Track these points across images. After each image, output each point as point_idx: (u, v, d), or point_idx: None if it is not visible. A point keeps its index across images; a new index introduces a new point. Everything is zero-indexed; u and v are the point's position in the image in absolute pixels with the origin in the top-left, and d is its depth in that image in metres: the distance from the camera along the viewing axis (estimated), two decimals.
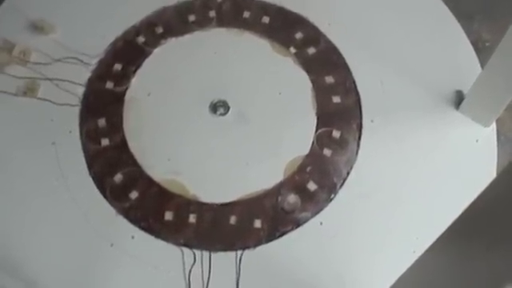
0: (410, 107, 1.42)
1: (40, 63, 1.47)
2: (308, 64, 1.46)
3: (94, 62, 1.48)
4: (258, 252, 1.26)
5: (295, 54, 1.48)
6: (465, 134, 1.39)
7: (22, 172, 1.35)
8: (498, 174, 1.29)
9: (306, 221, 1.28)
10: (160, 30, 1.52)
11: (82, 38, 1.52)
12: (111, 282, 1.24)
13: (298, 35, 1.51)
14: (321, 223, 1.28)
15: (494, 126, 1.39)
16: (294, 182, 1.32)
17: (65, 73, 1.46)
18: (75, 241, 1.28)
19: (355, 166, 1.35)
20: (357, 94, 1.43)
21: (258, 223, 1.27)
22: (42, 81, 1.45)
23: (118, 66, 1.47)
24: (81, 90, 1.44)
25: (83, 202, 1.31)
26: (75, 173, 1.34)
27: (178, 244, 1.26)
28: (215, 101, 1.41)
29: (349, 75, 1.46)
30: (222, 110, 1.40)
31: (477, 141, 1.38)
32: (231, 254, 1.25)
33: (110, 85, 1.45)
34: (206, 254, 1.24)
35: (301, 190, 1.31)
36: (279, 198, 1.30)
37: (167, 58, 1.49)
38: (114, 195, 1.31)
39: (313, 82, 1.44)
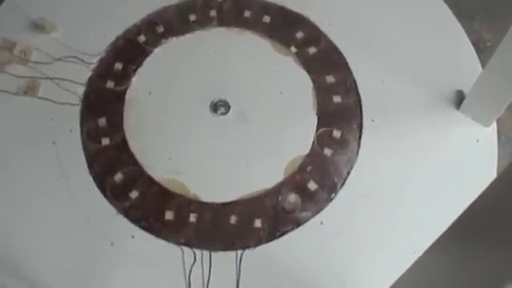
0: (411, 107, 1.42)
1: (41, 62, 1.47)
2: (309, 64, 1.46)
3: (95, 61, 1.48)
4: (259, 252, 1.26)
5: (296, 53, 1.48)
6: (465, 134, 1.39)
7: (22, 171, 1.35)
8: (498, 174, 1.31)
9: (306, 220, 1.28)
10: (161, 29, 1.52)
11: (83, 37, 1.52)
12: (111, 282, 1.24)
13: (299, 35, 1.51)
14: (321, 223, 1.28)
15: (494, 125, 1.39)
16: (295, 181, 1.32)
17: (65, 72, 1.46)
18: (75, 240, 1.28)
19: (356, 166, 1.35)
20: (357, 93, 1.43)
21: (258, 223, 1.27)
22: (43, 80, 1.45)
23: (118, 66, 1.47)
24: (81, 90, 1.44)
25: (84, 201, 1.31)
26: (76, 172, 1.34)
27: (178, 243, 1.26)
28: (216, 100, 1.41)
29: (349, 75, 1.46)
30: (222, 110, 1.40)
31: (477, 141, 1.38)
32: (231, 254, 1.25)
33: (110, 84, 1.45)
34: (206, 253, 1.24)
35: (301, 190, 1.31)
36: (280, 198, 1.30)
37: (168, 58, 1.49)
38: (115, 194, 1.31)
39: (313, 81, 1.44)
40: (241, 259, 1.24)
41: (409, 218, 1.29)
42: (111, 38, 1.51)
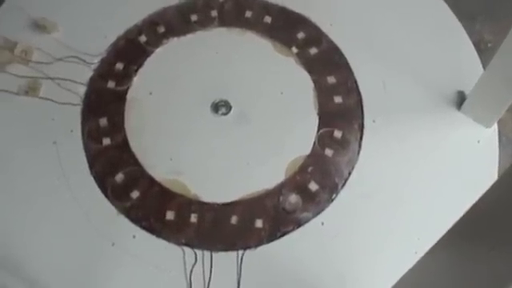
0: (412, 107, 1.42)
1: (42, 62, 1.47)
2: (310, 64, 1.46)
3: (96, 61, 1.48)
4: (260, 252, 1.26)
5: (297, 53, 1.48)
6: (466, 135, 1.39)
7: (23, 171, 1.35)
8: (499, 175, 1.31)
9: (307, 221, 1.28)
10: (162, 29, 1.52)
11: (84, 37, 1.52)
12: (112, 282, 1.24)
13: (300, 35, 1.51)
14: (322, 223, 1.28)
15: (495, 126, 1.39)
16: (296, 182, 1.32)
17: (66, 72, 1.46)
18: (76, 240, 1.28)
19: (357, 167, 1.34)
20: (358, 94, 1.43)
21: (259, 223, 1.27)
22: (44, 80, 1.45)
23: (119, 66, 1.47)
24: (82, 90, 1.45)
25: (84, 201, 1.31)
26: (76, 172, 1.34)
27: (179, 244, 1.26)
28: (217, 100, 1.41)
29: (350, 75, 1.46)
30: (223, 110, 1.40)
31: (478, 141, 1.38)
32: (232, 254, 1.25)
33: (111, 84, 1.45)
34: (207, 253, 1.24)
35: (302, 190, 1.31)
36: (280, 198, 1.30)
37: (169, 58, 1.49)
38: (116, 195, 1.31)
39: (315, 82, 1.44)
40: (242, 259, 1.24)
41: (410, 219, 1.29)
42: (112, 38, 1.51)
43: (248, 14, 1.54)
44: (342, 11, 1.56)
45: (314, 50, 1.48)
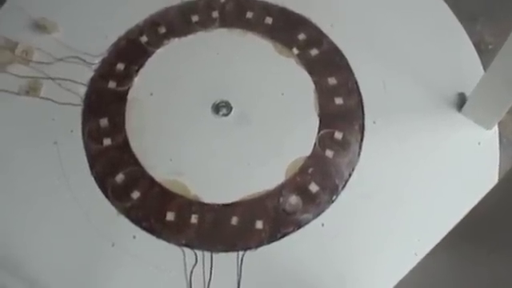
0: (413, 109, 1.42)
1: (42, 62, 1.47)
2: (311, 65, 1.47)
3: (97, 61, 1.48)
4: (260, 253, 1.26)
5: (298, 54, 1.48)
6: (467, 136, 1.39)
7: (23, 171, 1.35)
8: (499, 177, 1.31)
9: (307, 222, 1.29)
10: (163, 30, 1.52)
11: (85, 38, 1.52)
12: (112, 282, 1.24)
13: (301, 36, 1.51)
14: (322, 224, 1.28)
15: (496, 128, 1.39)
16: (296, 183, 1.32)
17: (67, 72, 1.46)
18: (76, 240, 1.28)
19: (357, 168, 1.35)
20: (359, 95, 1.43)
21: (259, 224, 1.28)
22: (45, 80, 1.45)
23: (120, 66, 1.47)
24: (83, 90, 1.45)
25: (85, 201, 1.31)
26: (77, 172, 1.34)
27: (179, 244, 1.26)
28: (218, 101, 1.41)
29: (351, 76, 1.46)
30: (224, 111, 1.40)
31: (479, 143, 1.38)
32: (233, 255, 1.25)
33: (112, 84, 1.45)
34: (207, 254, 1.25)
35: (302, 192, 1.31)
36: (281, 199, 1.30)
37: (170, 58, 1.49)
38: (116, 195, 1.31)
39: (315, 83, 1.44)
40: (242, 260, 1.24)
41: (410, 220, 1.29)
42: (113, 39, 1.52)
43: (249, 14, 1.54)
44: (342, 12, 1.56)
45: (314, 51, 1.49)
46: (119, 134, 1.38)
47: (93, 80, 1.46)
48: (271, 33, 1.52)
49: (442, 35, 1.54)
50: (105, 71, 1.47)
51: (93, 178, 1.34)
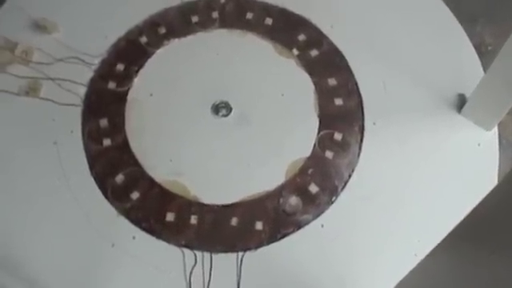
0: (413, 110, 1.42)
1: (42, 63, 1.47)
2: (311, 66, 1.47)
3: (97, 61, 1.48)
4: (259, 254, 1.26)
5: (298, 55, 1.48)
6: (467, 138, 1.39)
7: (23, 171, 1.35)
8: (499, 178, 1.31)
9: (307, 223, 1.29)
10: (163, 30, 1.52)
11: (85, 38, 1.52)
12: (112, 282, 1.24)
13: (301, 37, 1.51)
14: (322, 225, 1.28)
15: (495, 129, 1.39)
16: (296, 184, 1.32)
17: (67, 72, 1.46)
18: (76, 241, 1.28)
19: (357, 169, 1.35)
20: (359, 96, 1.43)
21: (259, 225, 1.28)
22: (45, 80, 1.45)
23: (120, 66, 1.47)
24: (83, 90, 1.45)
25: (85, 202, 1.31)
26: (77, 173, 1.34)
27: (179, 245, 1.26)
28: (217, 102, 1.41)
29: (351, 77, 1.46)
30: (224, 112, 1.40)
31: (479, 144, 1.38)
32: (232, 256, 1.25)
33: (112, 85, 1.45)
34: (207, 255, 1.25)
35: (302, 192, 1.31)
36: (281, 200, 1.30)
37: (170, 59, 1.49)
38: (116, 195, 1.31)
39: (315, 83, 1.44)
40: (241, 261, 1.24)
41: (410, 221, 1.29)
42: (113, 39, 1.52)
43: (249, 15, 1.54)
44: (342, 13, 1.56)
45: (314, 52, 1.49)
46: (119, 135, 1.38)
47: (93, 80, 1.46)
48: (271, 33, 1.52)
49: (442, 36, 1.54)
50: (105, 72, 1.47)
51: (93, 179, 1.34)
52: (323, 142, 1.37)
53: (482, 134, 1.39)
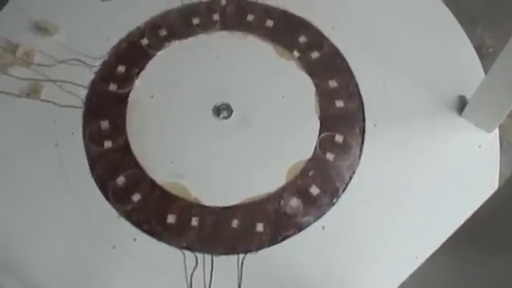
0: (413, 112, 1.42)
1: (43, 65, 1.47)
2: (311, 68, 1.47)
3: (98, 63, 1.48)
4: (260, 256, 1.25)
5: (299, 57, 1.48)
6: (467, 140, 1.39)
7: (24, 173, 1.35)
8: (500, 180, 1.31)
9: (308, 225, 1.28)
10: (164, 32, 1.53)
11: (86, 40, 1.52)
12: (113, 284, 1.24)
13: (302, 39, 1.51)
14: (323, 227, 1.28)
15: (496, 131, 1.39)
16: (297, 186, 1.32)
17: (68, 74, 1.46)
18: (77, 242, 1.28)
19: (358, 171, 1.34)
20: (360, 98, 1.43)
21: (260, 227, 1.27)
22: (46, 82, 1.45)
23: (121, 68, 1.48)
24: (84, 92, 1.45)
25: (86, 203, 1.31)
26: (78, 174, 1.34)
27: (180, 247, 1.26)
28: (218, 104, 1.41)
29: (352, 79, 1.46)
30: (225, 114, 1.40)
31: (479, 146, 1.38)
32: (233, 258, 1.25)
33: (113, 87, 1.45)
34: (208, 257, 1.24)
35: (303, 194, 1.31)
36: (281, 202, 1.30)
37: (171, 61, 1.49)
38: (117, 197, 1.32)
39: (316, 85, 1.44)
40: (242, 263, 1.24)
41: (410, 223, 1.29)
42: (114, 41, 1.52)
43: (250, 17, 1.54)
44: (343, 15, 1.56)
45: (315, 54, 1.49)
46: (120, 137, 1.38)
47: (94, 82, 1.46)
48: (272, 35, 1.52)
49: (443, 38, 1.54)
50: (106, 74, 1.48)
51: (93, 181, 1.34)
52: (324, 144, 1.37)
53: (483, 136, 1.39)
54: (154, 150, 1.37)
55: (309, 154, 1.36)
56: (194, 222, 1.28)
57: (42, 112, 1.42)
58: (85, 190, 1.33)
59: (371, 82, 1.45)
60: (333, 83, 1.44)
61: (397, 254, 1.25)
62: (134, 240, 1.27)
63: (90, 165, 1.36)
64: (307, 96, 1.43)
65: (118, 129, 1.39)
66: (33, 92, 1.43)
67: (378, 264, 1.25)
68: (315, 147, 1.36)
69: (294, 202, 1.30)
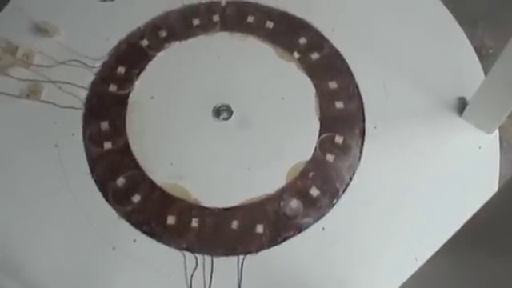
0: (413, 113, 1.42)
1: (43, 66, 1.47)
2: (311, 69, 1.47)
3: (98, 64, 1.49)
4: (260, 257, 1.26)
5: (299, 59, 1.48)
6: (467, 141, 1.39)
7: (24, 173, 1.35)
8: (500, 181, 1.31)
9: (308, 226, 1.28)
10: (164, 33, 1.53)
11: (86, 41, 1.52)
12: (113, 285, 1.24)
13: (302, 40, 1.51)
14: (323, 228, 1.28)
15: (496, 132, 1.39)
16: (297, 187, 1.32)
17: (68, 75, 1.46)
18: (77, 243, 1.28)
19: (358, 172, 1.34)
20: (360, 99, 1.43)
21: (260, 228, 1.27)
22: (46, 83, 1.45)
23: (121, 69, 1.48)
24: (84, 93, 1.45)
25: (86, 204, 1.31)
26: (78, 175, 1.34)
27: (179, 248, 1.26)
28: (218, 105, 1.41)
29: (352, 80, 1.46)
30: (225, 115, 1.40)
31: (479, 147, 1.38)
32: (233, 259, 1.25)
33: (113, 88, 1.45)
34: (207, 258, 1.24)
35: (303, 196, 1.31)
36: (281, 203, 1.30)
37: (171, 62, 1.49)
38: (117, 198, 1.32)
39: (316, 87, 1.44)
40: (242, 264, 1.24)
41: (410, 224, 1.29)
42: (114, 42, 1.52)
43: (250, 18, 1.54)
44: (343, 16, 1.56)
45: (315, 55, 1.49)
46: (120, 138, 1.38)
47: (94, 83, 1.46)
48: (272, 37, 1.52)
49: (443, 39, 1.54)
50: (106, 75, 1.48)
51: (93, 182, 1.34)
52: (324, 145, 1.37)
53: (483, 136, 1.39)
54: (154, 151, 1.37)
55: (309, 155, 1.36)
56: (194, 223, 1.28)
57: (42, 113, 1.42)
58: (85, 191, 1.33)
59: (371, 83, 1.45)
60: (333, 84, 1.44)
61: (397, 255, 1.25)
62: (134, 241, 1.27)
63: (90, 166, 1.36)
64: (307, 97, 1.43)
65: (118, 130, 1.39)
66: (33, 93, 1.44)
67: (378, 264, 1.25)
68: (315, 148, 1.36)
69: (294, 203, 1.30)
